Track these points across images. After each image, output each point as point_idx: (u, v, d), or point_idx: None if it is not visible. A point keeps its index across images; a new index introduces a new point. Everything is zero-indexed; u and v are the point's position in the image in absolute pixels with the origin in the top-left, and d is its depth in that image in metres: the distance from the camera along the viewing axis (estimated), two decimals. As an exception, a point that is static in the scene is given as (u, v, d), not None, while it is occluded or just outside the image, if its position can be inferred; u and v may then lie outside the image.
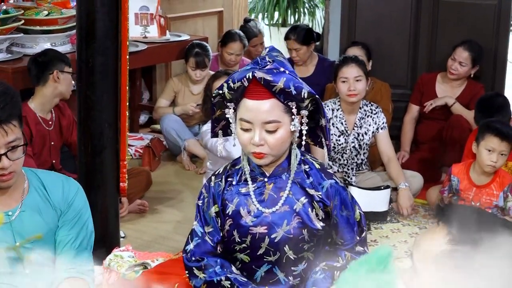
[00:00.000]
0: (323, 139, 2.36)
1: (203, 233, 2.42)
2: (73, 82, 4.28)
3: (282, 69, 2.21)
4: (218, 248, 2.42)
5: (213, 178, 2.46)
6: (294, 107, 2.20)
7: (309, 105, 2.24)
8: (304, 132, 2.26)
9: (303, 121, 2.25)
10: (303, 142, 2.31)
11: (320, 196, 2.32)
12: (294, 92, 2.17)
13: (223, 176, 2.42)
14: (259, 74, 2.17)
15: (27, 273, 2.43)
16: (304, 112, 2.24)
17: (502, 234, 1.60)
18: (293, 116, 2.21)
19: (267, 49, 2.36)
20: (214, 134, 2.40)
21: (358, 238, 2.37)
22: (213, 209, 2.40)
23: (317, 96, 2.24)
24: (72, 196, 2.55)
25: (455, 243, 1.56)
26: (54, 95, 4.28)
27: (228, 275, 2.34)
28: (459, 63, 5.15)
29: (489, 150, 4.01)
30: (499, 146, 4.00)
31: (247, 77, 2.19)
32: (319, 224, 2.32)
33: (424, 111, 5.26)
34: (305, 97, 2.20)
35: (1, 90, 2.31)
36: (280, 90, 2.17)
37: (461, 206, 1.66)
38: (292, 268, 2.34)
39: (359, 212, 2.40)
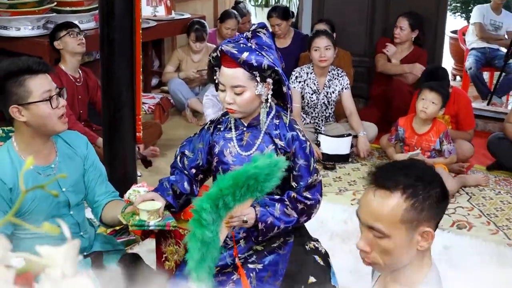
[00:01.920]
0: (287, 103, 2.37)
1: (183, 153, 2.48)
2: (81, 39, 4.26)
3: (249, 45, 2.22)
4: (189, 172, 2.45)
5: (209, 122, 2.50)
6: (257, 76, 2.20)
7: (273, 74, 2.23)
8: (269, 96, 2.27)
9: (269, 88, 2.26)
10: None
11: (283, 145, 2.32)
12: (255, 64, 2.17)
13: (214, 123, 2.45)
14: (225, 47, 2.19)
15: (71, 213, 2.47)
16: (269, 80, 2.23)
17: (420, 167, 1.63)
18: (256, 83, 2.22)
19: (258, 24, 2.37)
20: (217, 88, 2.40)
21: (307, 184, 2.33)
22: (199, 145, 2.44)
23: (276, 68, 2.21)
24: (87, 145, 2.56)
25: (412, 196, 1.54)
26: (69, 55, 4.26)
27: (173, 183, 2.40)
28: (400, 28, 5.15)
29: (423, 99, 4.07)
30: (429, 95, 4.06)
31: (219, 49, 2.22)
32: None
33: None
34: (266, 68, 2.19)
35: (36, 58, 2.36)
36: (244, 62, 2.17)
37: (384, 168, 1.62)
38: None
39: (314, 166, 2.38)
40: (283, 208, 2.30)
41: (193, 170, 2.44)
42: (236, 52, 2.17)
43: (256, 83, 2.22)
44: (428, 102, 4.05)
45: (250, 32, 2.29)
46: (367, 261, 1.65)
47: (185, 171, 2.45)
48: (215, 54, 2.27)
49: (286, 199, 2.32)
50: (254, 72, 2.20)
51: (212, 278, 2.11)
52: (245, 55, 2.17)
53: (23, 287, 0.60)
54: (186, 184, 2.42)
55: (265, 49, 2.24)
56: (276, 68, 2.21)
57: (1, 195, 2.23)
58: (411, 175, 1.57)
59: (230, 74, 2.21)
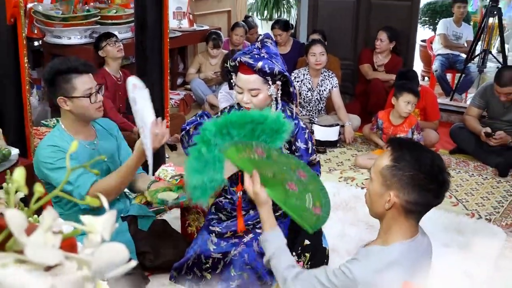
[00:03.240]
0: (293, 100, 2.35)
1: (200, 123, 2.40)
2: (119, 46, 4.21)
3: (262, 54, 2.19)
4: None
5: (228, 107, 2.47)
6: (270, 80, 2.18)
7: (282, 78, 2.21)
8: (279, 95, 2.25)
9: (278, 88, 2.24)
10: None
11: None
12: (268, 71, 2.15)
13: (233, 110, 2.41)
14: (243, 59, 2.17)
15: None
16: (278, 83, 2.21)
17: (424, 153, 1.61)
18: (268, 86, 2.19)
19: (264, 35, 2.34)
20: (230, 87, 2.36)
21: (308, 162, 2.30)
22: None
23: (285, 73, 2.20)
24: (117, 129, 2.59)
25: (395, 160, 1.56)
26: (111, 60, 4.23)
27: None
28: (380, 40, 5.11)
29: (407, 102, 4.02)
30: (413, 99, 4.04)
31: (238, 60, 2.19)
32: (285, 150, 2.31)
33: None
34: (276, 74, 2.17)
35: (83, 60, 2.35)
36: (259, 69, 2.15)
37: (402, 138, 1.67)
38: None
39: (312, 148, 2.36)
40: None
41: None
42: (252, 62, 2.15)
43: (268, 86, 2.19)
44: (411, 105, 4.05)
45: (259, 42, 2.26)
46: (365, 198, 1.72)
47: None
48: (233, 63, 2.23)
49: None
50: (267, 77, 2.17)
51: (208, 198, 2.00)
52: (260, 64, 2.15)
53: (68, 251, 0.58)
54: None
55: (274, 57, 2.21)
56: (284, 73, 2.19)
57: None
58: (407, 148, 1.58)
59: (247, 80, 2.18)
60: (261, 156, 1.90)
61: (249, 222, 2.36)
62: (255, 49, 2.23)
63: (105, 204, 0.68)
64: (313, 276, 1.66)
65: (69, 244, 0.60)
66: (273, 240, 1.81)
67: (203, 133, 1.97)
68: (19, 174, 0.61)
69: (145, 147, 2.09)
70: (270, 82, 2.19)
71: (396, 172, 1.55)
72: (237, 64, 2.21)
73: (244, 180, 1.89)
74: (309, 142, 2.34)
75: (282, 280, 1.74)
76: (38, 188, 0.63)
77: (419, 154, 1.57)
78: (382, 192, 1.58)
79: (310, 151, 2.33)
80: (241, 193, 2.31)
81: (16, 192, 0.65)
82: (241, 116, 1.99)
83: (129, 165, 2.22)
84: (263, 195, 1.84)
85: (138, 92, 2.08)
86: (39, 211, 0.75)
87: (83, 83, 2.26)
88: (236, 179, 2.29)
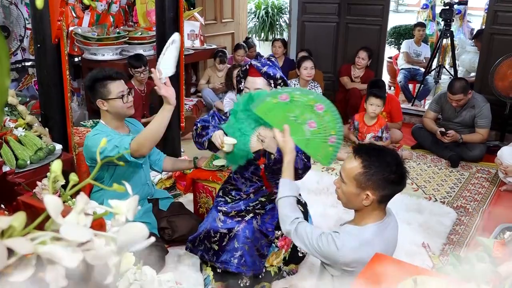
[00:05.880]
0: None
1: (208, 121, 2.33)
2: (143, 77, 4.15)
3: (268, 62, 2.18)
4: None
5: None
6: (272, 83, 2.16)
7: (281, 82, 2.19)
8: None
9: None
10: None
11: None
12: (271, 74, 2.14)
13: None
14: (253, 63, 2.17)
15: (143, 166, 2.47)
16: (279, 87, 2.18)
17: (386, 155, 1.58)
18: (270, 88, 2.17)
19: (269, 55, 2.36)
20: (239, 92, 2.32)
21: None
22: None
23: (285, 78, 2.19)
24: (143, 126, 2.55)
25: (366, 167, 1.53)
26: (137, 80, 4.18)
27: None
28: (361, 58, 5.07)
29: (371, 104, 4.00)
30: (375, 101, 4.00)
31: (249, 63, 2.19)
32: None
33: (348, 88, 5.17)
34: (278, 78, 2.16)
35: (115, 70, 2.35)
36: (264, 73, 2.13)
37: (366, 147, 1.62)
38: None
39: None
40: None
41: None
42: (260, 65, 2.15)
43: (270, 88, 2.17)
44: (375, 106, 4.02)
45: (266, 58, 2.27)
46: (337, 195, 1.67)
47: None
48: (244, 68, 2.21)
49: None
50: (270, 80, 2.15)
51: (240, 162, 2.13)
52: (265, 68, 2.14)
53: (98, 229, 0.56)
54: None
55: (277, 67, 2.21)
56: (284, 78, 2.18)
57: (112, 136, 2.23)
58: (374, 155, 1.54)
59: (254, 81, 2.16)
60: (285, 100, 1.83)
61: (250, 204, 2.34)
62: (262, 59, 2.23)
63: (129, 190, 0.66)
64: (309, 231, 1.64)
65: (98, 224, 0.58)
66: (289, 187, 1.76)
67: (235, 106, 2.05)
68: (56, 165, 0.59)
69: (160, 69, 1.98)
70: (272, 85, 2.16)
71: (369, 177, 1.53)
72: (247, 68, 2.19)
73: (275, 132, 1.83)
74: None
75: (285, 230, 1.71)
76: (73, 177, 0.61)
77: (384, 158, 1.54)
78: (358, 193, 1.56)
79: None
80: (263, 165, 2.23)
81: (58, 180, 0.63)
82: (259, 94, 1.99)
83: (156, 118, 2.13)
84: (290, 144, 1.78)
85: (172, 46, 2.01)
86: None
87: (117, 87, 2.27)
88: (258, 154, 2.21)
